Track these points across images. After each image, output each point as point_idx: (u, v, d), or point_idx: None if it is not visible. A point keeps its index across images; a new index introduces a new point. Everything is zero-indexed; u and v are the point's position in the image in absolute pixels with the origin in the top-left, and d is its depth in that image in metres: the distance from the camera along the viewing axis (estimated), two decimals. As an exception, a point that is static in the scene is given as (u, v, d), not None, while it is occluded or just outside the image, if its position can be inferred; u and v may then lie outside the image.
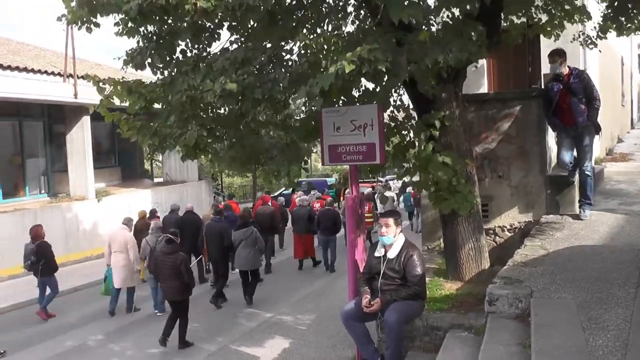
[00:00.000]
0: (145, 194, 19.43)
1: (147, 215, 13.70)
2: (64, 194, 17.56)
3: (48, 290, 10.46)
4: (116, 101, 6.49)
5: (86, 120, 17.04)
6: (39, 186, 18.20)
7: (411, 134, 7.12)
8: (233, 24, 6.30)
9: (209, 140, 6.05)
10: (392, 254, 5.58)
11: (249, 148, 6.88)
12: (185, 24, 5.92)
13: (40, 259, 10.21)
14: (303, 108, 7.37)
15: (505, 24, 7.12)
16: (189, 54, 6.74)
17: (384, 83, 5.70)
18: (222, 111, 6.59)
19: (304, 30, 6.65)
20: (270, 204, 15.72)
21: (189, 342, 8.53)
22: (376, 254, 5.73)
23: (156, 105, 6.43)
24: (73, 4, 6.00)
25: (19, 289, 12.33)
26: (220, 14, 5.09)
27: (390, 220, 5.65)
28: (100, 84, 6.44)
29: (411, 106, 7.27)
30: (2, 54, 16.15)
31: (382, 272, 5.59)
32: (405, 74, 5.18)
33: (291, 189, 21.08)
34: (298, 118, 7.72)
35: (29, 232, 10.49)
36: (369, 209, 15.18)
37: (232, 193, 25.32)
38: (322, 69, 5.14)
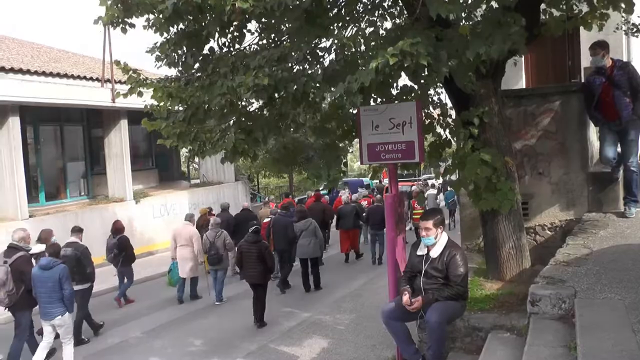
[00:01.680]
0: (182, 196, 19.68)
1: (208, 212, 14.91)
2: (103, 196, 17.94)
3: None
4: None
5: (124, 123, 17.38)
6: (79, 188, 18.63)
7: (447, 132, 7.02)
8: (272, 22, 6.28)
9: (246, 146, 6.04)
10: (434, 253, 5.51)
11: (290, 150, 6.91)
12: (215, 22, 5.94)
13: (122, 251, 11.23)
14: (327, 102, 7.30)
15: (544, 17, 6.94)
16: (217, 51, 6.77)
17: (423, 80, 5.62)
18: (256, 109, 6.60)
19: (338, 28, 6.59)
20: (320, 201, 16.57)
21: (265, 322, 9.56)
22: (418, 252, 5.67)
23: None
24: (109, 2, 6.08)
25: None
26: (258, 13, 5.07)
27: (430, 223, 5.57)
28: (141, 88, 6.53)
29: (447, 103, 7.17)
30: (44, 62, 16.61)
31: (423, 270, 5.53)
32: (447, 69, 5.07)
33: (327, 189, 21.82)
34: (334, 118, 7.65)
35: (111, 227, 11.57)
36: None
37: (288, 192, 25.86)
38: (359, 67, 5.08)
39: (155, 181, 21.40)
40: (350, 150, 21.30)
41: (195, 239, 11.60)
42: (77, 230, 10.01)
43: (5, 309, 8.13)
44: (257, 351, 8.26)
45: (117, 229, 11.45)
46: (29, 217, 14.49)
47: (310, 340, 8.55)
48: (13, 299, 7.73)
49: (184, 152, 27.05)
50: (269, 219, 13.20)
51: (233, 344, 8.64)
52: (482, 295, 6.32)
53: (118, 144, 17.41)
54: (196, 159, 26.25)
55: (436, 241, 5.55)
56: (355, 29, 6.83)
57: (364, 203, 17.60)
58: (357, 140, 7.16)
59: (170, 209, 16.46)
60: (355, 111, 6.30)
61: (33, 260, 8.16)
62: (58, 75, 15.19)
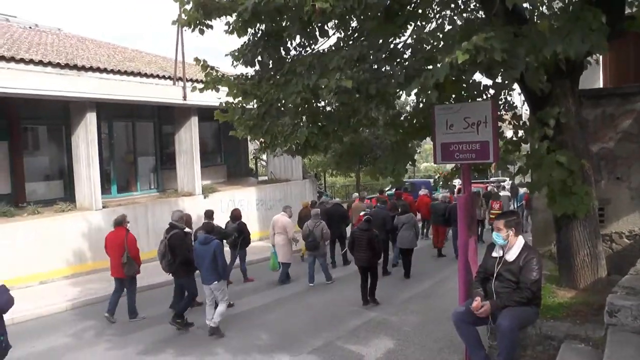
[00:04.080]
0: (250, 192, 20.01)
1: (309, 204, 16.25)
2: (172, 190, 18.51)
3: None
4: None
5: (194, 120, 17.82)
6: (149, 182, 19.38)
7: (518, 133, 6.85)
8: (349, 21, 6.30)
9: (317, 139, 6.09)
10: (510, 256, 5.41)
11: (357, 146, 6.91)
12: (293, 22, 6.01)
13: (240, 235, 12.56)
14: (409, 104, 7.26)
15: (629, 10, 6.62)
16: (292, 52, 6.85)
17: (498, 77, 5.50)
18: (332, 108, 6.63)
19: (416, 26, 6.53)
20: (403, 198, 17.14)
21: (377, 300, 10.57)
22: (494, 254, 5.59)
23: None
24: (189, 6, 6.26)
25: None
26: (338, 13, 5.09)
27: (501, 223, 5.51)
28: (218, 85, 6.70)
29: (516, 103, 6.99)
30: (119, 61, 17.28)
31: (496, 273, 5.44)
32: (523, 66, 4.94)
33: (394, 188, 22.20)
34: (406, 115, 7.58)
35: (230, 214, 12.94)
36: (500, 206, 17.82)
37: (382, 189, 26.19)
38: (437, 63, 5.03)
39: (224, 177, 21.89)
40: (417, 151, 21.30)
41: (289, 228, 13.02)
42: (210, 215, 11.76)
43: (169, 274, 9.96)
44: (323, 347, 8.29)
45: (236, 215, 12.62)
46: (102, 207, 15.17)
47: (376, 340, 8.52)
48: (172, 267, 9.59)
49: (251, 149, 27.67)
50: (364, 212, 13.93)
51: (299, 339, 8.72)
52: (554, 303, 6.16)
53: (188, 140, 17.88)
54: (264, 157, 26.72)
55: (507, 242, 5.46)
56: (432, 25, 6.74)
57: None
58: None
59: (238, 204, 16.76)
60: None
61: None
62: (132, 73, 15.76)
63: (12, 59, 12.79)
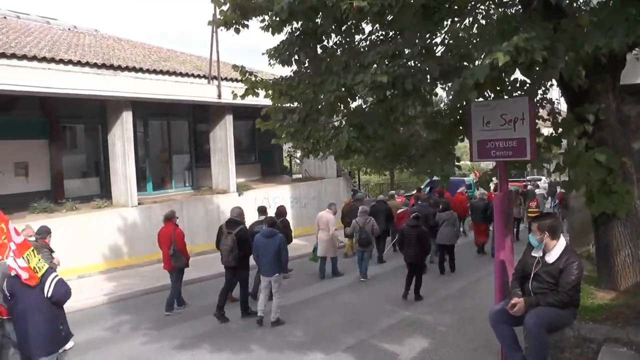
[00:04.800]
0: (284, 190, 20.11)
1: (351, 201, 16.79)
2: (207, 188, 18.72)
3: None
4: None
5: (229, 119, 17.97)
6: (184, 180, 19.63)
7: (558, 130, 6.70)
8: (385, 19, 6.25)
9: (359, 143, 6.07)
10: (550, 258, 5.30)
11: (398, 145, 6.86)
12: (329, 21, 6.00)
13: (282, 232, 12.35)
14: (444, 102, 7.20)
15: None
16: (329, 50, 6.84)
17: (537, 74, 5.40)
18: (367, 106, 6.60)
19: (451, 22, 6.46)
20: (444, 196, 17.48)
21: (421, 296, 10.79)
22: (533, 254, 5.49)
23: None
24: (225, 7, 6.31)
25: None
26: (375, 11, 5.07)
27: (535, 226, 5.45)
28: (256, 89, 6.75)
29: (553, 98, 6.85)
30: (155, 61, 17.52)
31: (533, 273, 5.34)
32: (562, 64, 4.84)
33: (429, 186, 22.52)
34: (442, 112, 7.51)
35: (276, 210, 12.76)
36: (536, 205, 18.22)
37: (419, 187, 27.06)
38: (473, 60, 4.97)
39: (258, 175, 22.06)
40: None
41: (331, 224, 13.43)
42: (263, 210, 11.96)
43: (228, 268, 10.08)
44: (357, 346, 8.28)
45: (281, 212, 12.61)
46: (138, 204, 15.44)
47: (410, 339, 8.48)
48: (237, 261, 9.78)
49: (286, 148, 27.81)
50: (403, 209, 15.13)
51: (333, 337, 8.73)
52: (593, 305, 6.02)
53: (223, 138, 18.06)
54: (298, 155, 26.84)
55: (541, 245, 5.36)
56: (468, 21, 6.65)
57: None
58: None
59: (272, 202, 16.88)
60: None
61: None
62: (167, 73, 15.94)
63: (52, 60, 13.08)
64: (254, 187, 19.48)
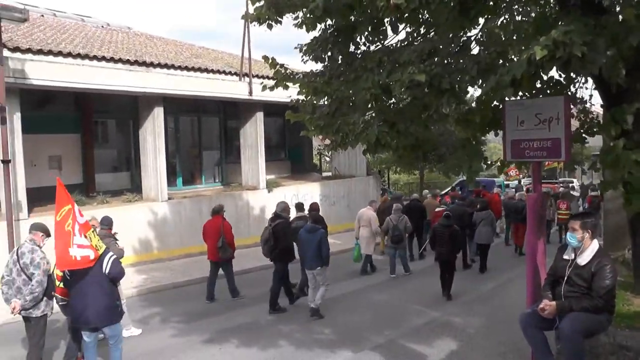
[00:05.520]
0: (313, 187, 20.12)
1: (387, 199, 17.32)
2: (237, 184, 18.83)
3: None
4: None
5: (259, 116, 18.04)
6: (214, 175, 19.78)
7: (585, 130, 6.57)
8: (420, 16, 6.20)
9: (388, 138, 6.03)
10: (582, 260, 5.16)
11: (422, 141, 6.79)
12: (365, 18, 5.97)
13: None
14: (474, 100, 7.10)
15: None
16: (362, 48, 6.81)
17: (574, 71, 5.28)
18: (402, 104, 6.55)
19: (486, 19, 6.36)
20: (482, 195, 17.56)
21: (451, 295, 10.85)
22: (564, 256, 5.36)
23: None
24: (260, 3, 6.33)
25: (197, 266, 13.50)
26: (412, 8, 5.02)
27: (577, 224, 5.24)
28: (287, 83, 6.76)
29: (584, 97, 6.70)
30: (186, 58, 17.72)
31: (566, 277, 5.22)
32: (603, 60, 4.70)
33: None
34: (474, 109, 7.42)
35: (309, 206, 12.66)
36: (567, 206, 17.94)
37: (454, 186, 27.28)
38: (510, 57, 4.89)
39: (288, 172, 22.12)
40: (483, 149, 21.52)
41: (373, 221, 13.68)
42: (300, 207, 12.17)
43: (270, 260, 10.59)
44: (385, 345, 8.22)
45: (314, 208, 12.64)
46: (168, 199, 15.62)
47: (439, 340, 8.38)
48: (273, 253, 10.28)
49: (316, 145, 27.84)
50: (441, 209, 15.05)
51: (362, 335, 8.68)
52: (629, 312, 5.89)
53: (253, 135, 18.14)
54: (328, 152, 26.89)
55: (581, 245, 5.20)
56: (504, 18, 6.54)
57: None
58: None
59: (302, 199, 16.86)
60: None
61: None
62: (199, 69, 16.08)
63: (86, 56, 13.30)
64: (284, 184, 19.53)
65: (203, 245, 11.48)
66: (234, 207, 16.96)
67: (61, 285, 6.99)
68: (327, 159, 29.86)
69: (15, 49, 12.16)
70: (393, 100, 6.43)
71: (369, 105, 6.20)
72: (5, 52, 11.36)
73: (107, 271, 6.43)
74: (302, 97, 6.97)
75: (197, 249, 14.03)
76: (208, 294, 11.03)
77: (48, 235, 7.03)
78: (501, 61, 5.92)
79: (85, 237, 6.28)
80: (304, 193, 18.94)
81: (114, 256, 6.68)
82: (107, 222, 9.17)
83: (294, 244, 10.60)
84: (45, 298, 6.81)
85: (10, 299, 6.70)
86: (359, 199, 20.75)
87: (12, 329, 8.81)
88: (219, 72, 16.68)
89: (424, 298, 10.91)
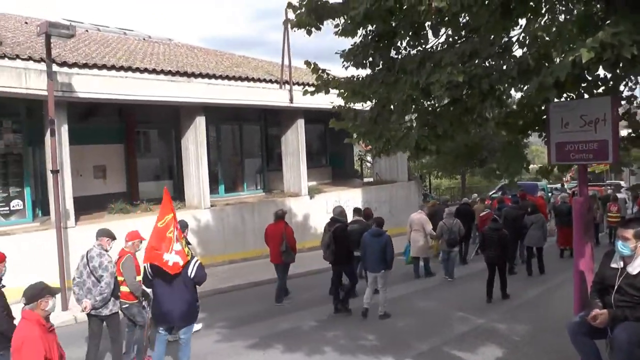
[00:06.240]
0: (355, 193, 20.11)
1: (438, 203, 17.44)
2: (278, 191, 18.99)
3: None
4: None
5: (300, 123, 18.15)
6: (255, 183, 19.99)
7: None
8: (461, 18, 6.14)
9: (428, 142, 5.98)
10: (633, 269, 4.92)
11: (471, 147, 6.73)
12: (406, 22, 5.95)
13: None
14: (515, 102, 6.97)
15: None
16: (403, 52, 6.78)
17: (622, 71, 5.12)
18: (442, 107, 6.49)
19: (528, 20, 6.25)
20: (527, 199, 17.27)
21: (508, 294, 11.15)
22: (612, 265, 5.12)
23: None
24: (301, 10, 6.39)
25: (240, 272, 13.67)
26: (455, 11, 4.98)
27: (629, 233, 4.96)
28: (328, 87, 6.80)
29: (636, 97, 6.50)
30: (227, 67, 17.98)
31: (617, 286, 4.99)
32: None
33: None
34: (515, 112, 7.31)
35: (363, 211, 12.90)
36: (617, 209, 17.93)
37: (504, 191, 27.31)
38: (553, 60, 4.78)
39: (329, 178, 22.21)
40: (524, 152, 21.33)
41: (425, 225, 13.82)
42: (358, 211, 12.47)
43: (329, 263, 10.72)
44: (429, 352, 8.13)
45: (368, 215, 12.87)
46: (210, 206, 15.81)
47: (483, 347, 8.22)
48: (334, 256, 10.40)
49: (357, 151, 27.82)
50: (486, 212, 15.62)
51: (405, 342, 8.61)
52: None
53: (294, 142, 18.26)
54: (369, 158, 26.88)
55: (633, 254, 4.94)
56: (546, 19, 6.41)
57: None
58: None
59: (344, 205, 16.87)
60: None
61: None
62: (240, 78, 16.30)
63: (129, 69, 13.66)
64: (325, 190, 19.60)
65: (246, 252, 11.69)
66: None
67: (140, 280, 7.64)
68: (368, 164, 29.81)
69: (63, 64, 12.59)
70: (432, 102, 6.38)
71: (408, 107, 6.16)
72: (54, 67, 11.73)
73: (192, 275, 7.03)
74: (341, 102, 6.98)
75: (240, 255, 14.20)
76: (284, 293, 11.55)
77: (113, 239, 7.70)
78: (544, 62, 5.81)
79: (180, 243, 6.92)
80: (346, 199, 18.88)
81: (199, 261, 7.28)
82: (182, 226, 9.41)
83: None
84: (112, 298, 7.40)
85: (81, 299, 7.38)
86: (401, 204, 20.69)
87: (64, 332, 9.04)
88: (259, 80, 16.87)
89: (468, 304, 10.78)
